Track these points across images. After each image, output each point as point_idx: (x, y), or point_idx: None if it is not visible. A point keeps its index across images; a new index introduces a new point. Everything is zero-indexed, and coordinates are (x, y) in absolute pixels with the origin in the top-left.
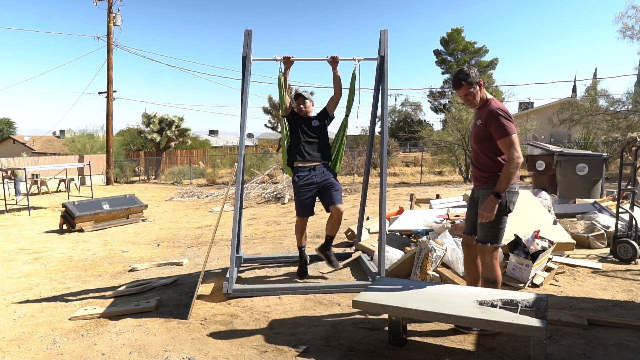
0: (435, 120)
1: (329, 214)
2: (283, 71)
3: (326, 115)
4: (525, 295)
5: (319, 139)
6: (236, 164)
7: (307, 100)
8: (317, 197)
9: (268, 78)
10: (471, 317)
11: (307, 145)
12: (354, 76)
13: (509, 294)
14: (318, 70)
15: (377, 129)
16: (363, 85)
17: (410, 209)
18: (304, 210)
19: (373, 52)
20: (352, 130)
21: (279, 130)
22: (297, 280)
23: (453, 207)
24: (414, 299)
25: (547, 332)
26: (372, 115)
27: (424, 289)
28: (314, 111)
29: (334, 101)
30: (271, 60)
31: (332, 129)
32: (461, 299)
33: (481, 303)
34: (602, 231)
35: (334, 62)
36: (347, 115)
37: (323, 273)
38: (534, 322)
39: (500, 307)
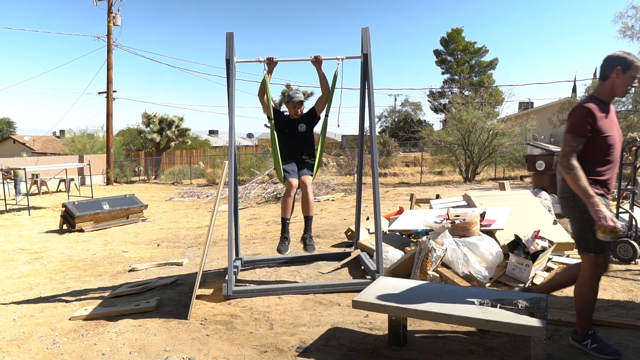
0: (435, 120)
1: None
2: (267, 72)
3: (314, 116)
4: (525, 295)
5: (306, 145)
6: (226, 161)
7: (303, 105)
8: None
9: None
10: (471, 317)
11: (294, 151)
12: (335, 76)
13: (509, 294)
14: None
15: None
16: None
17: (410, 209)
18: (289, 173)
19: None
20: (350, 129)
21: None
22: (297, 280)
23: (453, 207)
24: (414, 299)
25: (547, 332)
26: (360, 115)
27: (424, 289)
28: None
29: (322, 101)
30: (254, 62)
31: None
32: (461, 299)
33: (481, 303)
34: None
35: (317, 62)
36: (326, 116)
37: (323, 273)
38: (534, 322)
39: (500, 307)
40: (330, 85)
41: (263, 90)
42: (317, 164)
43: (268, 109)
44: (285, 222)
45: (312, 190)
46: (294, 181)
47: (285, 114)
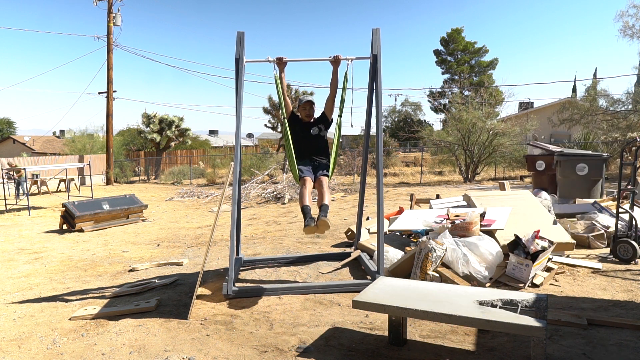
0: (435, 120)
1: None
2: (278, 73)
3: (325, 120)
4: (525, 295)
5: (319, 147)
6: (232, 162)
7: (314, 107)
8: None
9: (268, 78)
10: (471, 317)
11: (307, 154)
12: (346, 76)
13: (509, 294)
14: (318, 70)
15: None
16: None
17: (410, 209)
18: (304, 172)
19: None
20: (350, 129)
21: (279, 130)
22: (297, 280)
23: (453, 207)
24: (414, 299)
25: (547, 332)
26: (367, 115)
27: (424, 289)
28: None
29: (330, 102)
30: (264, 61)
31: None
32: (461, 299)
33: (481, 303)
34: (602, 231)
35: (336, 62)
36: (340, 116)
37: (323, 273)
38: (534, 322)
39: (500, 307)
40: (338, 87)
41: (281, 90)
42: (332, 165)
43: (281, 108)
44: (305, 208)
45: (328, 188)
46: (309, 178)
47: (299, 116)
